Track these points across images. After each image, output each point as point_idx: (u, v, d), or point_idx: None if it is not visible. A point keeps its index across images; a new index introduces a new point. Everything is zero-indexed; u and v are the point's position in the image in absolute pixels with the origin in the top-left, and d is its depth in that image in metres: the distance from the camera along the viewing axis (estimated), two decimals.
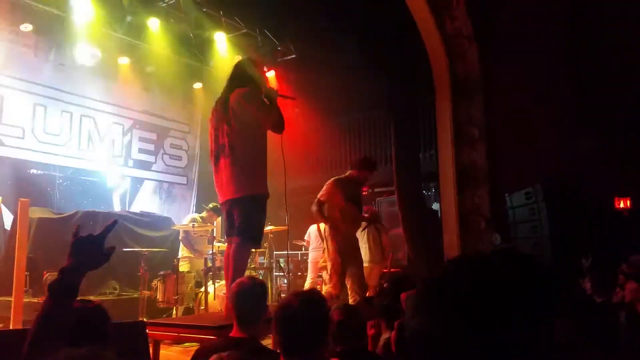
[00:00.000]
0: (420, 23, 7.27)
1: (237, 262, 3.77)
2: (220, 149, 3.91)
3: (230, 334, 2.47)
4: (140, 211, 8.29)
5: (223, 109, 3.93)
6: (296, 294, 1.91)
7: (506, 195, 6.04)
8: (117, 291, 6.49)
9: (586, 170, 5.75)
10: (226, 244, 4.13)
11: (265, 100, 3.99)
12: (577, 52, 6.47)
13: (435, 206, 9.22)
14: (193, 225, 6.22)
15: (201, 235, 6.67)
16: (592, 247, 4.22)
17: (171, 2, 8.06)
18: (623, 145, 5.91)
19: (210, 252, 5.95)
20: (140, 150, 9.37)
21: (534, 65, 6.39)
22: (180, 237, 6.84)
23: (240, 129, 3.83)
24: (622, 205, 5.40)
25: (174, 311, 6.04)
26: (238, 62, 4.28)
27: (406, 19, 7.31)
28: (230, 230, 3.92)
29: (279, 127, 4.01)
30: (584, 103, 6.28)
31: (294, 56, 9.72)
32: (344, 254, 5.23)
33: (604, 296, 3.05)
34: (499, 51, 6.61)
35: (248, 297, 2.45)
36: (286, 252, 9.78)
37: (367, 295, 5.15)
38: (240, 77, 4.03)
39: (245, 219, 3.76)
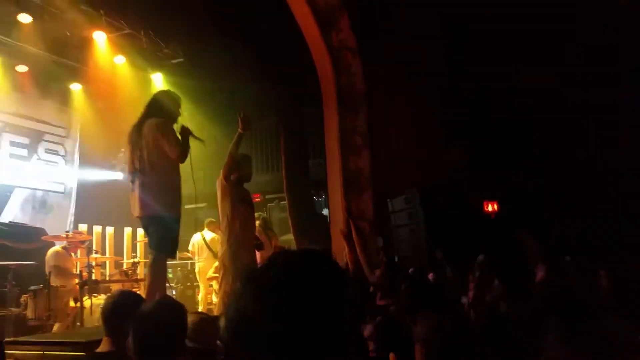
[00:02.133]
0: (307, 35, 7.40)
1: (154, 273, 4.31)
2: (135, 172, 4.32)
3: (98, 349, 2.34)
4: (10, 222, 7.59)
5: (137, 135, 4.32)
6: (154, 300, 1.88)
7: (388, 200, 6.32)
8: None
9: (458, 176, 6.20)
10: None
11: (177, 135, 4.39)
12: (451, 69, 6.97)
13: (326, 212, 9.45)
14: (67, 233, 5.81)
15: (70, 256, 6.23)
16: (462, 249, 4.49)
17: None
18: (491, 154, 6.46)
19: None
20: (11, 156, 8.59)
21: (413, 79, 6.78)
22: (48, 271, 6.01)
23: (152, 156, 4.26)
24: (490, 208, 5.86)
25: (55, 329, 5.57)
26: (157, 92, 4.79)
27: (295, 31, 7.42)
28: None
29: (181, 158, 4.41)
30: (457, 115, 6.77)
31: (181, 60, 9.46)
32: (239, 260, 4.91)
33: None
34: (382, 64, 6.93)
35: (117, 309, 2.34)
36: (174, 262, 9.49)
37: None
38: (157, 107, 4.49)
39: (158, 236, 4.31)
